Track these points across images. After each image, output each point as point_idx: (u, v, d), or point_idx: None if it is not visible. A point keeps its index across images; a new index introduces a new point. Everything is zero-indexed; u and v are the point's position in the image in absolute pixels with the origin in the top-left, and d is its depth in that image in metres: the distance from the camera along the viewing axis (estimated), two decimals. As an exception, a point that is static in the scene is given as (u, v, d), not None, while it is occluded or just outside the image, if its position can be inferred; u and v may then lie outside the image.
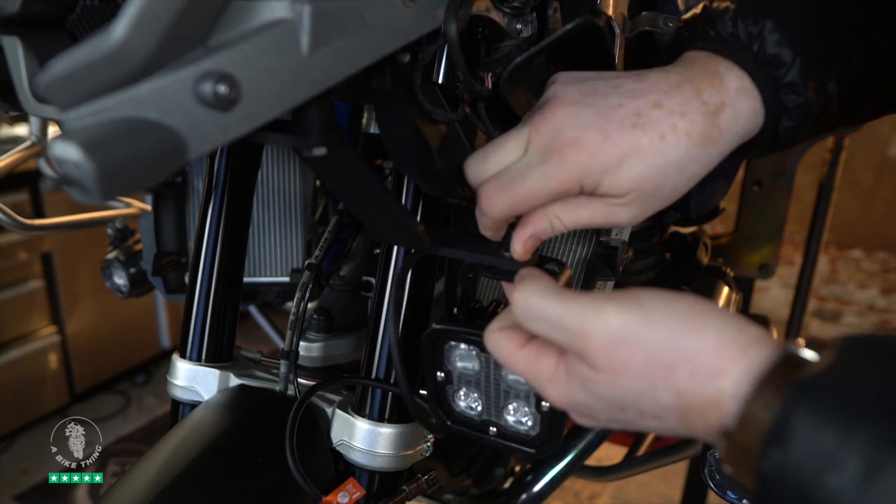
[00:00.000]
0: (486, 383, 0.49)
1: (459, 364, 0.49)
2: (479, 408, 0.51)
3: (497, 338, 0.42)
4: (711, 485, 0.69)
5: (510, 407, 0.49)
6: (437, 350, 0.49)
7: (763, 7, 0.44)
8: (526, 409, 0.49)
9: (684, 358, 0.34)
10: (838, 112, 0.46)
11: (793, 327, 1.50)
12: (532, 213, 0.45)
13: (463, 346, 0.49)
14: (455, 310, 0.50)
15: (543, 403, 0.47)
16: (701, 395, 0.34)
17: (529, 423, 0.49)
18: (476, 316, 0.49)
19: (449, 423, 0.52)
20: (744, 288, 1.35)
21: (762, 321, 1.24)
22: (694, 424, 0.35)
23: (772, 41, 0.43)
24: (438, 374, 0.50)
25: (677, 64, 0.45)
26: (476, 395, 0.50)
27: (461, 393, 0.51)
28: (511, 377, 0.48)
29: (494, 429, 0.50)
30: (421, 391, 0.57)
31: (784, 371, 0.32)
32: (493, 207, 0.44)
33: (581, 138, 0.41)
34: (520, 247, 0.45)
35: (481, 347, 0.47)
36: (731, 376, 0.33)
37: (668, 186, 0.43)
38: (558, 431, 0.48)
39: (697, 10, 0.47)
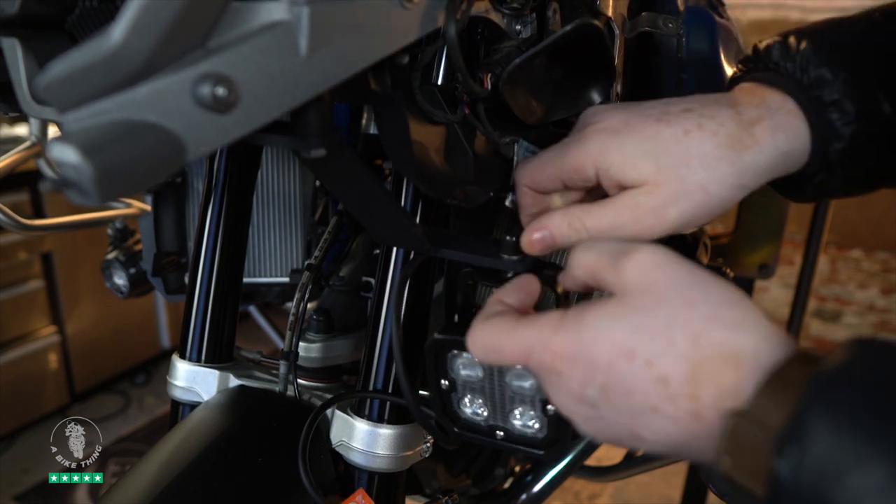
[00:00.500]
0: (491, 389, 0.49)
1: (463, 372, 0.48)
2: (486, 413, 0.50)
3: (484, 327, 0.40)
4: (711, 485, 0.69)
5: (516, 412, 0.49)
6: (440, 359, 0.49)
7: (804, 33, 0.45)
8: (532, 412, 0.48)
9: (705, 298, 0.33)
10: None
11: (793, 327, 1.50)
12: (552, 213, 0.45)
13: (466, 354, 0.48)
14: (456, 317, 0.50)
15: (549, 406, 0.46)
16: (718, 344, 0.31)
17: (536, 426, 0.49)
18: None
19: (456, 429, 0.52)
20: (744, 288, 1.35)
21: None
22: (703, 392, 0.31)
23: (814, 63, 0.43)
24: (442, 381, 0.50)
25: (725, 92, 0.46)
26: (481, 401, 0.50)
27: (466, 400, 0.50)
28: (516, 383, 0.47)
29: (502, 433, 0.50)
30: (422, 391, 0.57)
31: (800, 365, 0.30)
32: (519, 171, 0.48)
33: (603, 123, 0.44)
34: (526, 238, 0.45)
35: None
36: (752, 333, 0.31)
37: (694, 180, 0.41)
38: (566, 431, 0.48)
39: (749, 50, 0.49)
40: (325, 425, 0.59)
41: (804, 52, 0.44)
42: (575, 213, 0.44)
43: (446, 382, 0.50)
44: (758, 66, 0.47)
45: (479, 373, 0.48)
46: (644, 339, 0.33)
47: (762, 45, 0.47)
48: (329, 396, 0.63)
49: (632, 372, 0.33)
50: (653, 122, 0.42)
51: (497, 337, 0.39)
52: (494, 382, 0.48)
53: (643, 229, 0.42)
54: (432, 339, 0.48)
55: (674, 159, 0.41)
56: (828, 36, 0.45)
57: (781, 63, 0.45)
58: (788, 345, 0.32)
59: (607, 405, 0.35)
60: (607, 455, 1.10)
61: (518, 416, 0.49)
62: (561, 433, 0.48)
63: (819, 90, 0.43)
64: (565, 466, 0.98)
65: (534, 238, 0.45)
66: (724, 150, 0.41)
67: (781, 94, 0.44)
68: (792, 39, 0.45)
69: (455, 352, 0.48)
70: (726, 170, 0.41)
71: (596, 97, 0.55)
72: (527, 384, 0.46)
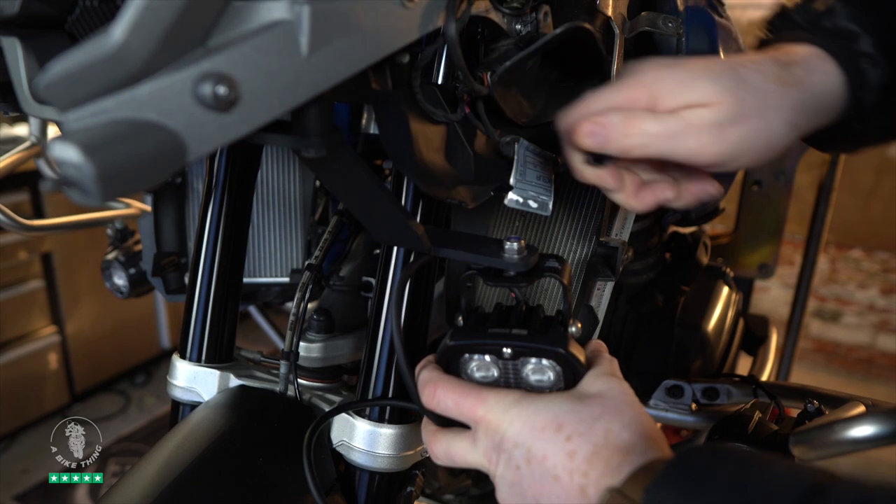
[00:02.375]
0: (507, 387, 0.48)
1: (478, 374, 0.48)
2: None
3: (449, 385, 0.46)
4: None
5: None
6: (453, 366, 0.48)
7: None
8: None
9: (632, 412, 0.42)
10: None
11: (793, 327, 1.50)
12: (611, 112, 0.44)
13: (477, 356, 0.47)
14: (460, 319, 0.49)
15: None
16: (621, 441, 0.40)
17: None
18: (485, 324, 0.48)
19: None
20: (744, 288, 1.35)
21: (762, 321, 1.24)
22: (593, 470, 0.39)
23: (843, 17, 0.46)
24: None
25: None
26: None
27: None
28: (533, 378, 0.47)
29: None
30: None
31: (651, 470, 0.38)
32: (566, 114, 0.46)
33: (654, 62, 0.45)
34: (578, 131, 0.44)
35: (499, 355, 0.46)
36: (650, 442, 0.40)
37: (753, 105, 0.42)
38: None
39: (769, 13, 0.51)
40: (326, 425, 0.59)
41: (832, 7, 0.47)
42: (637, 115, 0.43)
43: None
44: (784, 26, 0.49)
45: (495, 373, 0.47)
46: (574, 420, 0.41)
47: (791, 4, 0.49)
48: (330, 397, 0.63)
49: (554, 440, 0.41)
50: (702, 61, 0.44)
51: (460, 388, 0.46)
52: (510, 379, 0.47)
53: (701, 145, 0.42)
54: (445, 346, 0.47)
55: (732, 82, 0.42)
56: None
57: (809, 18, 0.47)
58: (657, 453, 0.40)
59: (527, 468, 0.42)
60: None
61: None
62: None
63: (849, 40, 0.46)
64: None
65: (584, 130, 0.44)
66: (774, 84, 0.43)
67: (810, 46, 0.46)
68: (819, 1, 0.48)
69: (467, 356, 0.47)
70: (779, 102, 0.43)
71: None
72: (545, 377, 0.46)
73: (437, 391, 0.46)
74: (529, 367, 0.46)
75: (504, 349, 0.46)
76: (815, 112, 0.45)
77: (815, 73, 0.45)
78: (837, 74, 0.45)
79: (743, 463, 0.35)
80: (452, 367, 0.48)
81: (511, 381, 0.47)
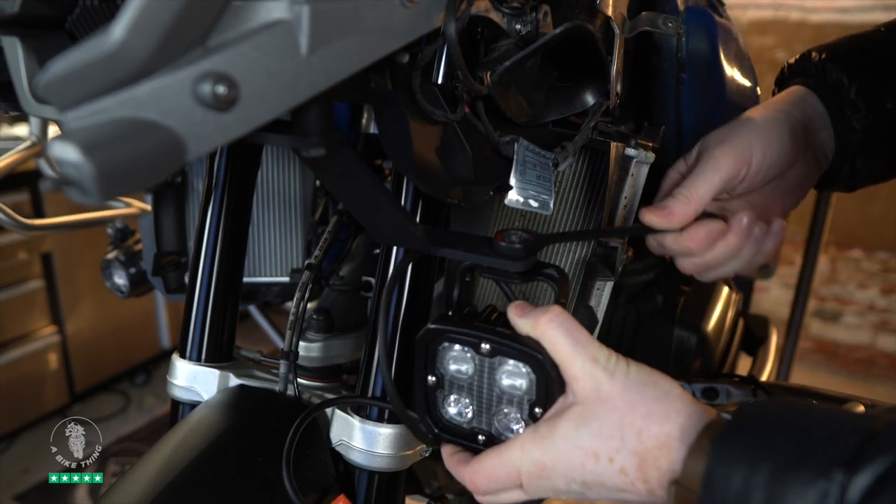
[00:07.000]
0: (479, 387, 0.48)
1: (452, 367, 0.48)
2: (470, 414, 0.49)
3: (476, 465, 0.47)
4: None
5: (502, 414, 0.48)
6: (431, 352, 0.48)
7: (827, 49, 0.62)
8: (517, 415, 0.48)
9: (642, 399, 0.42)
10: None
11: (793, 327, 1.50)
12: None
13: (457, 347, 0.47)
14: (450, 312, 0.49)
15: (536, 410, 0.46)
16: (654, 437, 0.41)
17: (520, 431, 0.48)
18: (473, 318, 0.48)
19: (437, 430, 0.51)
20: (744, 288, 1.35)
21: (762, 321, 1.24)
22: (650, 476, 0.41)
23: (835, 70, 0.59)
24: (429, 377, 0.49)
25: None
26: (467, 400, 0.49)
27: (451, 398, 0.50)
28: (506, 381, 0.46)
29: (483, 437, 0.49)
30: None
31: (709, 433, 0.40)
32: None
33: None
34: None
35: (477, 349, 0.47)
36: (676, 421, 0.41)
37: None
38: None
39: (796, 57, 0.65)
40: (325, 424, 0.59)
41: (823, 60, 0.60)
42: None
43: (433, 378, 0.49)
44: (794, 73, 0.63)
45: (470, 368, 0.47)
46: (603, 442, 0.42)
47: (795, 58, 0.64)
48: (329, 396, 0.63)
49: (600, 468, 0.43)
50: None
51: (491, 468, 0.46)
52: (484, 380, 0.47)
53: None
54: (425, 328, 0.48)
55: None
56: (847, 55, 0.61)
57: (813, 70, 0.61)
58: (703, 416, 0.41)
59: (590, 492, 0.44)
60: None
61: (503, 419, 0.48)
62: None
63: (838, 91, 0.59)
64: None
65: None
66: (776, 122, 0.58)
67: (806, 89, 0.61)
68: (815, 54, 0.62)
69: (446, 344, 0.48)
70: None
71: (590, 98, 0.55)
72: (517, 383, 0.46)
73: (472, 483, 0.47)
74: (505, 369, 0.46)
75: (483, 344, 0.46)
76: (796, 118, 0.58)
77: (805, 102, 0.60)
78: (822, 107, 0.59)
79: (801, 411, 0.38)
80: (430, 353, 0.49)
81: (484, 381, 0.47)
